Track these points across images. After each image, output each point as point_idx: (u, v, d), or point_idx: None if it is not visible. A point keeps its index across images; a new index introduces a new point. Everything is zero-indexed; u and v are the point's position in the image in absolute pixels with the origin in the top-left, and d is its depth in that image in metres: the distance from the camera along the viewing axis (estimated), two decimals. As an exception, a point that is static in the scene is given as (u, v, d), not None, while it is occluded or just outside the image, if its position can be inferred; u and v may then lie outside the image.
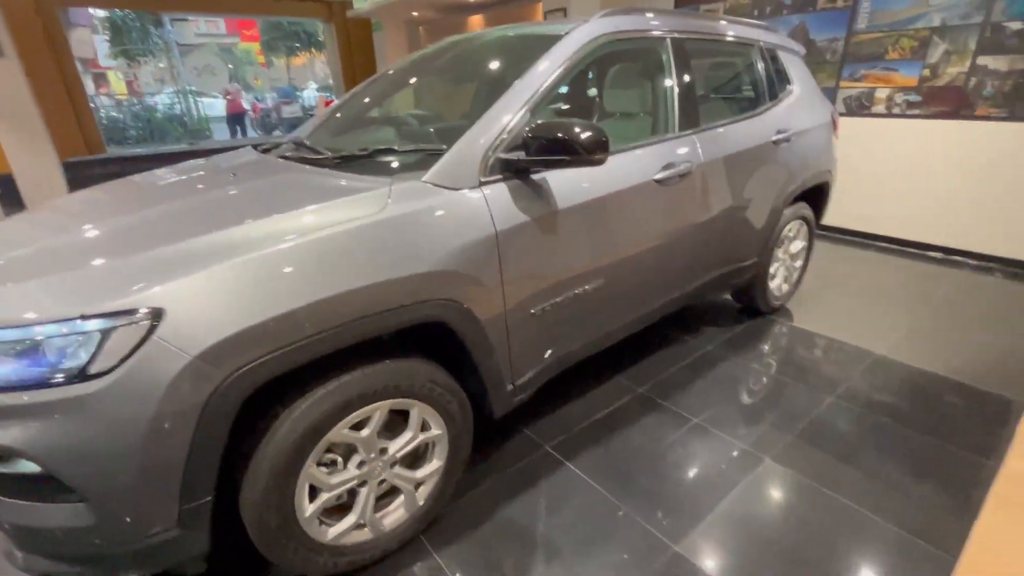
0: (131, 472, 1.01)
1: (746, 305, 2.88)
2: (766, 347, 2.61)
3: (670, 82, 2.02)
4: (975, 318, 2.89)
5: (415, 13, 8.18)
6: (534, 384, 1.71)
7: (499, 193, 1.45)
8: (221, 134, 12.36)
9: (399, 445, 1.40)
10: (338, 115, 2.23)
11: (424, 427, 1.44)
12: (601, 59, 2.33)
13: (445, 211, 1.34)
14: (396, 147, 1.66)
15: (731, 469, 1.80)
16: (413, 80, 2.37)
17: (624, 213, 1.77)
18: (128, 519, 1.06)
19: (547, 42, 1.71)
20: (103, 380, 0.97)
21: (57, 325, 0.97)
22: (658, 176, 1.84)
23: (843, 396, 2.19)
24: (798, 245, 2.86)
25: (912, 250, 3.96)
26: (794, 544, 1.51)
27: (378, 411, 1.31)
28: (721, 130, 2.16)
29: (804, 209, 2.75)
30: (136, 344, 0.98)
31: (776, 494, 1.69)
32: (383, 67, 9.00)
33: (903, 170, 3.86)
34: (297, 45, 15.84)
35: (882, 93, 3.83)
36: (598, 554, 1.49)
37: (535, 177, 1.52)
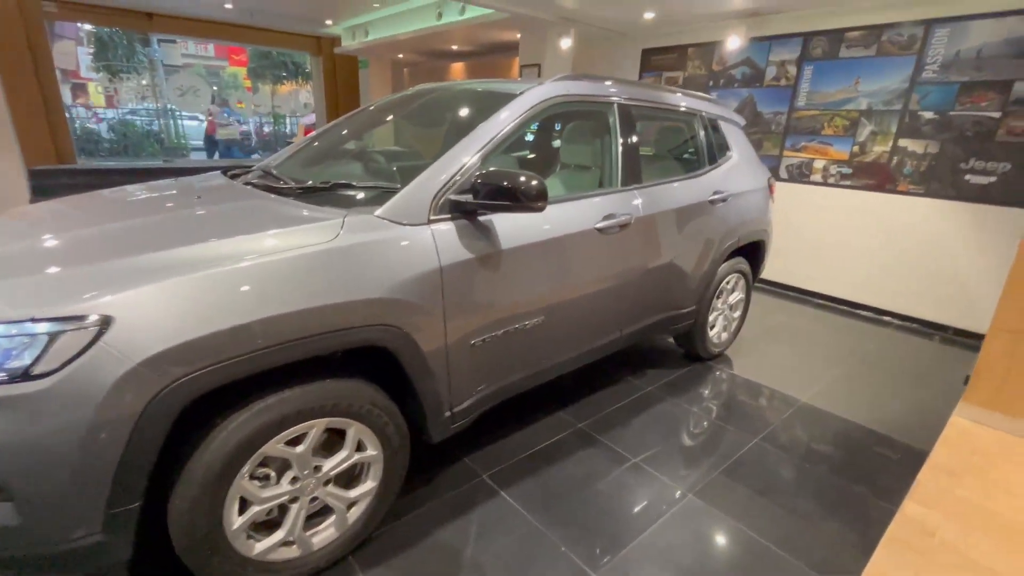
0: (62, 473, 1.05)
1: (687, 351, 3.05)
2: (703, 391, 2.76)
3: (616, 141, 2.23)
4: (895, 373, 3.12)
5: (400, 55, 8.56)
6: (473, 412, 1.80)
7: (447, 231, 1.58)
8: (200, 154, 12.31)
9: (333, 463, 1.45)
10: (313, 145, 2.36)
11: (360, 447, 1.50)
12: (559, 116, 2.55)
13: (393, 244, 1.46)
14: (355, 183, 1.79)
15: (656, 503, 1.90)
16: (383, 121, 2.54)
17: (564, 257, 1.92)
18: (52, 521, 1.08)
19: (504, 99, 1.90)
20: (45, 381, 1.02)
21: (6, 326, 1.03)
22: (599, 225, 2.01)
23: (767, 439, 2.34)
24: (736, 296, 3.08)
25: (845, 308, 4.27)
26: (703, 573, 1.60)
27: (314, 428, 1.37)
28: (661, 187, 2.38)
29: (741, 263, 2.98)
30: (82, 348, 1.04)
31: (693, 527, 1.79)
32: (367, 102, 9.27)
33: (837, 234, 4.21)
34: (284, 74, 16.17)
35: (819, 164, 4.21)
36: (520, 579, 1.55)
37: (482, 219, 1.66)
